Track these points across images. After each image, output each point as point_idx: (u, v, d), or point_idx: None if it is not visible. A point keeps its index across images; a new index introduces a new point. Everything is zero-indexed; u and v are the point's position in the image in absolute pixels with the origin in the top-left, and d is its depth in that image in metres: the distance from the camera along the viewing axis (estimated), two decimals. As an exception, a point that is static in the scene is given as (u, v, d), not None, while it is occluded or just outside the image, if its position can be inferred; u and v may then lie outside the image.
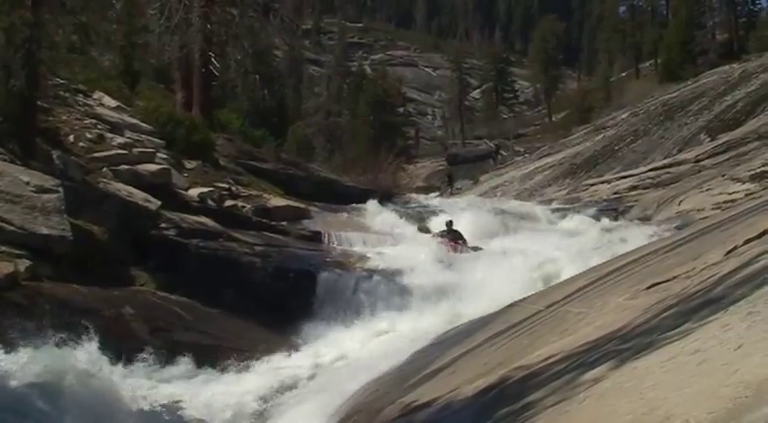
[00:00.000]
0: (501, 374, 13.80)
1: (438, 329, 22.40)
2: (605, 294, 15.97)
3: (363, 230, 31.48)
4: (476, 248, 28.77)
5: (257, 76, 43.67)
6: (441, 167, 70.51)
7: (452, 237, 28.93)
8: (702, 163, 36.18)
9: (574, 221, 34.41)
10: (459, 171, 65.69)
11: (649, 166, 39.14)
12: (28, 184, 24.03)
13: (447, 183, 61.88)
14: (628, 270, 17.88)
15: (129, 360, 20.79)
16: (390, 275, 27.19)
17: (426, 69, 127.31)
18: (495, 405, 12.26)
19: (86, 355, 19.50)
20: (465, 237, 31.26)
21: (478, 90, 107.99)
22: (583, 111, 70.35)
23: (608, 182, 39.89)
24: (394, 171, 48.69)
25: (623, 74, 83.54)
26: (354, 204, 34.40)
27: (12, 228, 22.83)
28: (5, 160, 24.82)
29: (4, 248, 22.38)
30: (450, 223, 29.54)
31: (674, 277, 13.64)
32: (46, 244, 23.08)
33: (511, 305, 20.75)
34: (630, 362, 10.57)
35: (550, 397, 11.04)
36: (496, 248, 30.00)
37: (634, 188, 37.15)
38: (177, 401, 20.02)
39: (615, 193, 37.17)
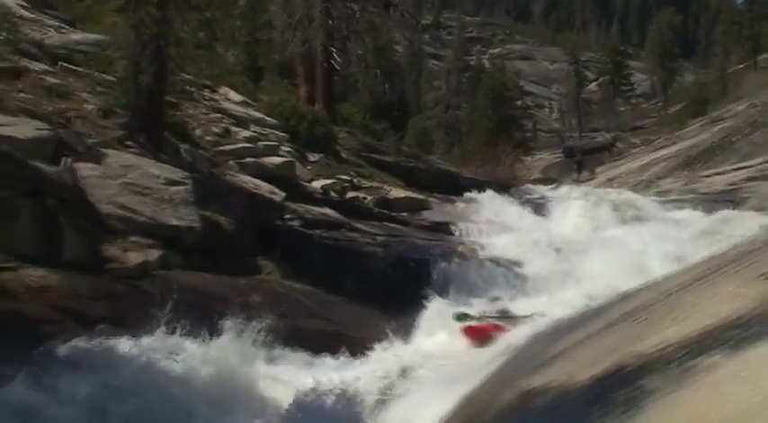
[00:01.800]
0: (615, 361, 13.21)
1: (553, 316, 21.99)
2: (720, 283, 15.30)
3: (480, 221, 31.54)
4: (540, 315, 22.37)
5: (378, 71, 43.70)
6: (558, 159, 69.89)
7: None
8: None
9: (685, 213, 34.22)
10: (577, 160, 64.93)
11: (764, 158, 38.20)
12: (158, 176, 24.35)
13: (576, 170, 61.57)
14: (741, 260, 16.35)
15: (261, 348, 21.13)
16: (506, 264, 27.54)
17: (543, 63, 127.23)
18: (609, 391, 11.84)
19: (226, 342, 20.22)
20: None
21: (595, 83, 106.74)
22: (699, 103, 69.06)
23: (724, 173, 39.00)
24: (512, 163, 48.84)
25: (741, 66, 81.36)
26: (473, 195, 34.34)
27: (143, 218, 23.06)
28: (136, 153, 24.95)
29: (135, 238, 22.59)
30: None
31: None
32: (175, 234, 23.39)
33: (624, 294, 20.06)
34: (745, 350, 10.30)
35: (664, 384, 10.71)
36: (609, 238, 30.22)
37: (751, 179, 36.31)
38: (300, 386, 19.63)
39: (731, 185, 36.48)
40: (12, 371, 16.16)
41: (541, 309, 23.82)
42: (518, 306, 24.76)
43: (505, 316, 22.44)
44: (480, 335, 20.68)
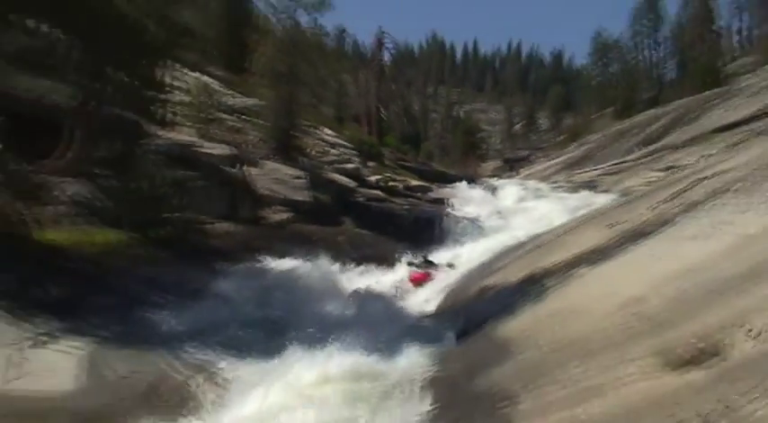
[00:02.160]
0: (530, 271, 16.32)
1: (497, 248, 24.38)
2: (585, 229, 18.30)
3: (459, 197, 33.95)
4: (450, 265, 24.14)
5: (405, 119, 48.13)
6: (500, 165, 76.24)
7: (425, 267, 23.71)
8: (637, 161, 38.41)
9: (566, 193, 36.65)
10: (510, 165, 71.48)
11: (608, 164, 41.87)
12: (289, 174, 28.49)
13: (509, 170, 67.36)
14: (597, 217, 20.03)
15: (343, 265, 23.78)
16: (472, 220, 29.91)
17: (492, 114, 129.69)
18: (527, 285, 14.97)
19: (320, 259, 22.75)
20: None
21: (519, 124, 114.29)
22: (574, 135, 73.95)
23: (587, 172, 42.73)
24: (475, 167, 54.74)
25: (596, 115, 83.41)
26: (454, 183, 37.27)
27: (281, 196, 27.16)
28: (277, 162, 29.51)
29: (277, 207, 26.70)
30: (424, 257, 24.62)
31: (623, 221, 15.81)
32: (298, 205, 26.99)
33: (535, 235, 23.33)
34: (599, 265, 12.96)
35: (556, 282, 13.62)
36: (526, 207, 32.25)
37: (601, 175, 39.54)
38: (367, 284, 22.67)
39: (591, 178, 39.65)
40: (215, 276, 19.90)
41: (453, 261, 25.28)
42: (470, 247, 26.60)
43: (432, 266, 23.67)
44: (419, 280, 22.69)
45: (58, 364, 12.47)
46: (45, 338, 13.39)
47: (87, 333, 14.00)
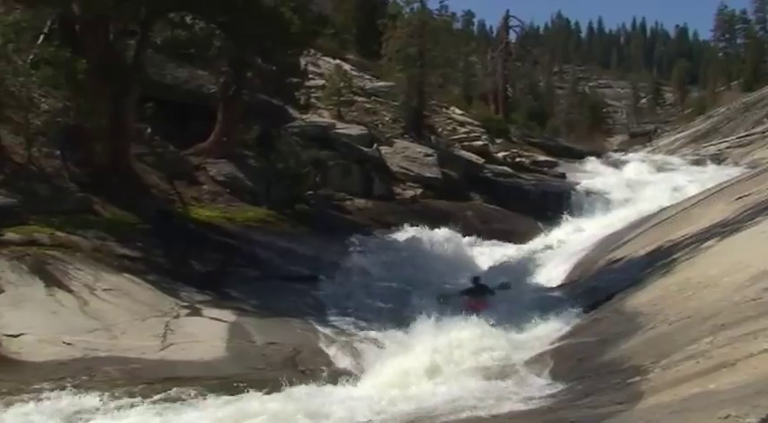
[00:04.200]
0: (658, 244, 16.15)
1: (624, 221, 23.89)
2: (714, 202, 17.94)
3: (586, 171, 33.47)
4: (504, 285, 16.95)
5: (531, 96, 47.17)
6: (626, 139, 72.69)
7: (476, 295, 16.31)
8: (766, 134, 36.14)
9: (694, 167, 35.48)
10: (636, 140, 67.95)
11: (736, 136, 39.53)
12: (420, 152, 28.73)
13: (636, 143, 63.81)
14: (725, 189, 19.65)
15: (472, 239, 23.80)
16: (600, 194, 29.04)
17: (617, 89, 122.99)
18: (654, 258, 14.71)
19: (450, 233, 22.82)
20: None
21: (644, 99, 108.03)
22: (700, 108, 68.88)
23: (714, 145, 40.43)
24: (601, 141, 52.26)
25: (722, 88, 78.19)
26: (581, 158, 36.54)
27: (413, 173, 27.66)
28: (409, 141, 29.81)
29: (409, 183, 27.14)
30: (476, 280, 17.04)
31: (752, 193, 15.74)
32: (429, 181, 27.41)
33: (662, 208, 22.85)
34: (728, 238, 12.62)
35: (684, 255, 13.37)
36: (654, 179, 31.22)
37: (728, 148, 37.49)
38: (495, 257, 22.44)
39: (718, 151, 37.55)
40: (351, 249, 20.27)
41: (620, 217, 24.97)
42: (597, 220, 25.90)
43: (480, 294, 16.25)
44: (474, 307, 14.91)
45: (207, 332, 12.88)
46: (196, 308, 13.92)
47: (233, 303, 14.50)
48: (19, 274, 13.58)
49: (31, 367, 11.08)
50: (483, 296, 15.95)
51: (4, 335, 11.92)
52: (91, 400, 9.36)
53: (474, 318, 12.71)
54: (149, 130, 20.77)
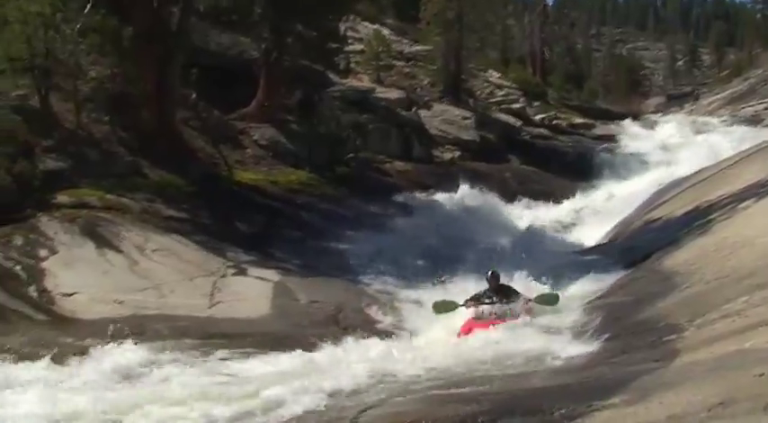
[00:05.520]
0: (695, 204, 16.27)
1: (661, 181, 23.90)
2: (751, 163, 17.76)
3: (622, 133, 32.71)
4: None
5: (568, 59, 46.15)
6: (662, 101, 71.24)
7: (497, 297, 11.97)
8: None
9: (731, 128, 34.71)
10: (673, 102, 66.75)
11: None
12: (458, 115, 28.61)
13: (673, 105, 62.01)
14: (762, 150, 19.51)
15: (509, 200, 23.69)
16: (636, 155, 29.04)
17: (654, 51, 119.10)
18: (691, 218, 14.81)
19: (488, 194, 22.74)
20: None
21: (682, 61, 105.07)
22: (737, 70, 67.11)
23: (751, 106, 39.33)
24: (638, 103, 51.43)
25: (759, 50, 75.60)
26: (618, 120, 35.56)
27: (451, 136, 27.61)
28: (447, 104, 29.55)
29: (447, 146, 27.06)
30: (494, 276, 12.23)
31: None
32: (466, 144, 27.42)
33: (699, 169, 22.60)
34: (764, 199, 12.72)
35: (721, 215, 13.45)
36: (691, 141, 30.83)
37: (765, 109, 36.56)
38: (532, 218, 22.63)
39: (755, 112, 36.52)
40: (390, 211, 20.48)
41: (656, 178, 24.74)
42: (634, 182, 25.76)
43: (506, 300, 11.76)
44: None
45: (252, 291, 13.11)
46: (242, 268, 14.14)
47: (277, 263, 14.75)
48: (71, 235, 13.98)
49: (85, 325, 11.39)
50: (506, 301, 11.60)
51: (59, 294, 12.27)
52: (142, 356, 9.48)
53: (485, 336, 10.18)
54: (194, 95, 20.65)
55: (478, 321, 11.21)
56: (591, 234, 20.24)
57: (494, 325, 10.83)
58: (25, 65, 17.26)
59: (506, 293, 11.85)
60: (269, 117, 22.42)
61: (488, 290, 11.97)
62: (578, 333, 10.32)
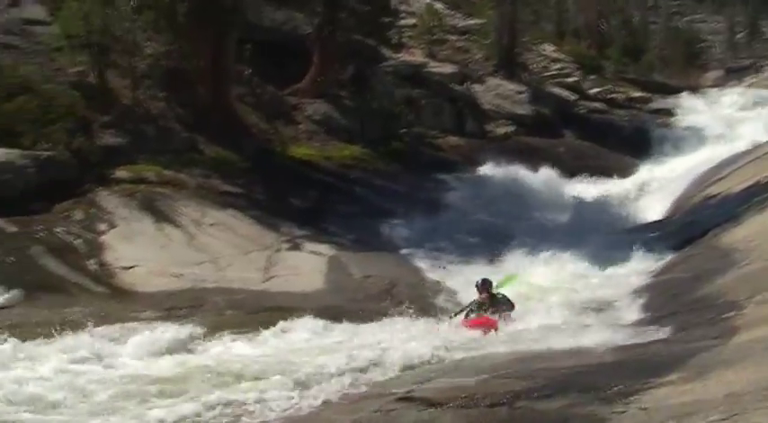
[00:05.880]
0: (755, 180, 15.90)
1: (719, 156, 23.05)
2: None
3: (678, 107, 31.40)
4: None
5: (625, 32, 45.05)
6: (721, 75, 69.10)
7: (488, 305, 10.86)
8: None
9: None
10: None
11: None
12: (511, 89, 28.10)
13: (732, 79, 60.36)
14: None
15: (564, 175, 22.87)
16: (694, 130, 27.85)
17: (712, 24, 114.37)
18: (751, 195, 14.58)
19: (542, 170, 22.12)
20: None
21: (741, 34, 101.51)
22: None
23: None
24: (696, 77, 49.46)
25: None
26: (675, 94, 33.84)
27: (505, 111, 26.98)
28: (501, 79, 28.89)
29: (501, 121, 26.38)
30: (484, 284, 11.16)
31: None
32: (521, 118, 26.74)
33: (760, 144, 22.24)
34: None
35: None
36: (750, 115, 29.52)
37: None
38: (588, 193, 21.99)
39: None
40: (443, 186, 20.17)
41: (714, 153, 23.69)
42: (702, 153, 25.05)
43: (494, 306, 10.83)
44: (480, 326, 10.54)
45: (306, 265, 13.35)
46: (296, 242, 14.39)
47: (330, 238, 14.93)
48: (129, 210, 14.36)
49: (144, 297, 11.71)
50: (494, 308, 10.66)
51: (118, 267, 12.63)
52: (200, 327, 9.70)
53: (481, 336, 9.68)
54: (249, 71, 20.91)
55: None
56: (648, 210, 19.97)
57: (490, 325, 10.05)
58: (83, 42, 17.64)
59: (495, 304, 10.75)
60: (322, 92, 22.50)
61: (476, 301, 10.91)
62: (635, 310, 10.28)
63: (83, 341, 8.95)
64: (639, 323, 9.34)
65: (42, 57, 18.21)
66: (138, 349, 8.92)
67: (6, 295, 11.12)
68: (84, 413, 6.87)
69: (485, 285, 11.07)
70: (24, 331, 9.33)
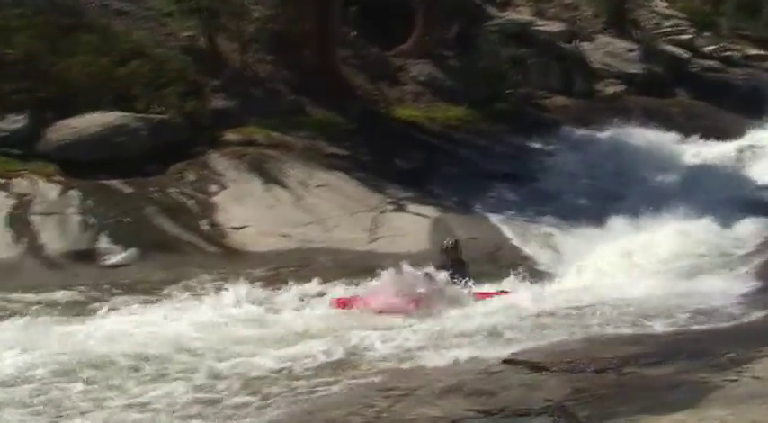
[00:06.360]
0: None
1: None
2: None
3: None
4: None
5: None
6: None
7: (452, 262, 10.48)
8: None
9: None
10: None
11: None
12: (622, 47, 27.15)
13: None
14: None
15: (677, 136, 21.60)
16: None
17: None
18: None
19: (654, 130, 21.17)
20: None
21: None
22: None
23: None
24: None
25: None
26: None
27: (615, 70, 26.08)
28: (611, 36, 27.86)
29: (611, 80, 25.50)
30: (455, 245, 10.78)
31: None
32: (631, 77, 25.79)
33: None
34: None
35: None
36: None
37: None
38: (702, 155, 20.96)
39: None
40: (550, 148, 19.50)
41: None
42: None
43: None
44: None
45: (411, 226, 13.50)
46: (401, 204, 14.56)
47: (435, 200, 15.02)
48: (239, 172, 14.89)
49: (255, 257, 12.17)
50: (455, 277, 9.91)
51: (229, 228, 13.15)
52: (310, 286, 10.08)
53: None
54: (354, 33, 21.14)
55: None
56: (764, 173, 18.97)
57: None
58: (192, 6, 18.16)
59: (461, 272, 10.14)
60: (427, 53, 22.43)
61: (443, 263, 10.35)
62: (750, 276, 10.10)
63: (197, 300, 9.52)
64: (755, 290, 9.10)
65: (153, 22, 18.79)
66: (253, 306, 9.29)
67: (124, 254, 11.77)
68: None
69: (455, 246, 10.69)
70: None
